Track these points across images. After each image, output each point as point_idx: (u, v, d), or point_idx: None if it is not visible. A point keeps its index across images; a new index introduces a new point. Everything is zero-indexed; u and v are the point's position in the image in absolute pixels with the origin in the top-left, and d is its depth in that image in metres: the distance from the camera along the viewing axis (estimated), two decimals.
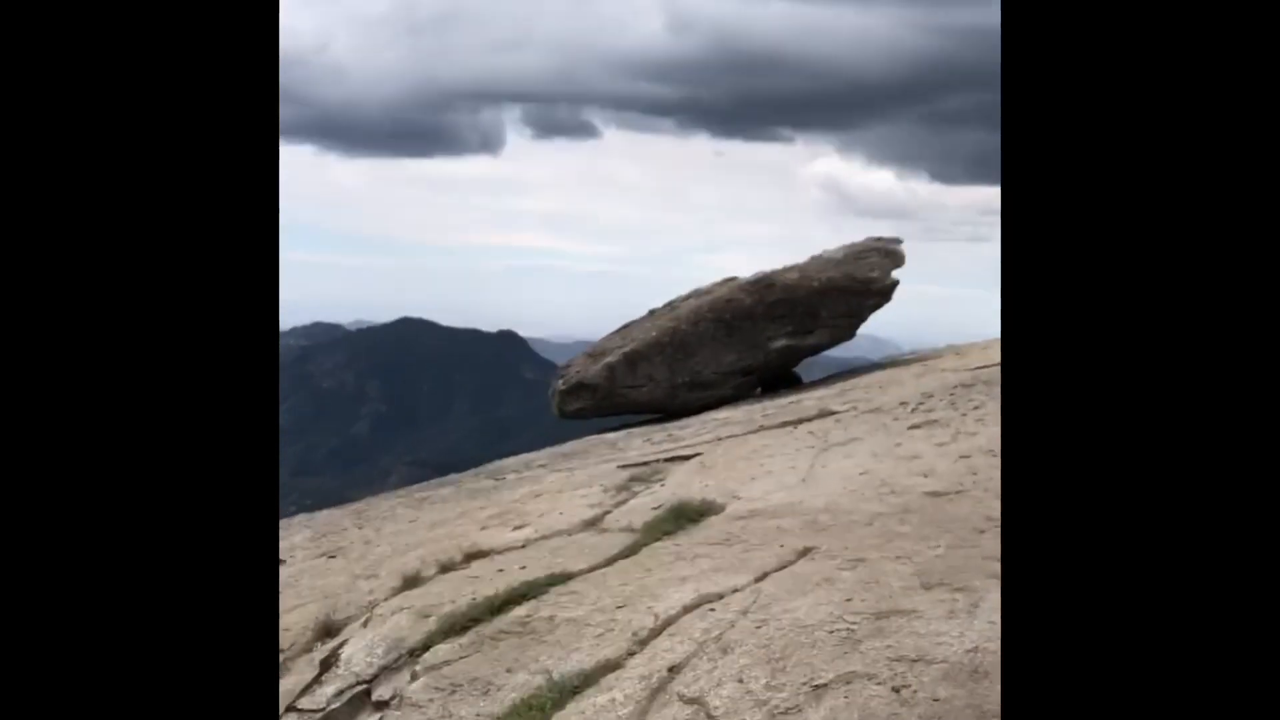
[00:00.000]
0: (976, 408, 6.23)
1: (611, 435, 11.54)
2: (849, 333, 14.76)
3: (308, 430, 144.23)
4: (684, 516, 4.31)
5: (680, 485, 5.39)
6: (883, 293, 14.58)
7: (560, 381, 14.31)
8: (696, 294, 15.13)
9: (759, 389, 15.04)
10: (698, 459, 6.62)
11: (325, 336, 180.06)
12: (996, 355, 12.18)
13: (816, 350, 14.77)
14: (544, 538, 4.66)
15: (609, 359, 13.95)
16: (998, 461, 4.58)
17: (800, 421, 8.13)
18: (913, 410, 6.66)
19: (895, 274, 14.89)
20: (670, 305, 15.18)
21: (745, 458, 5.96)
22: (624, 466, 7.41)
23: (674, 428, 10.40)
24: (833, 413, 8.23)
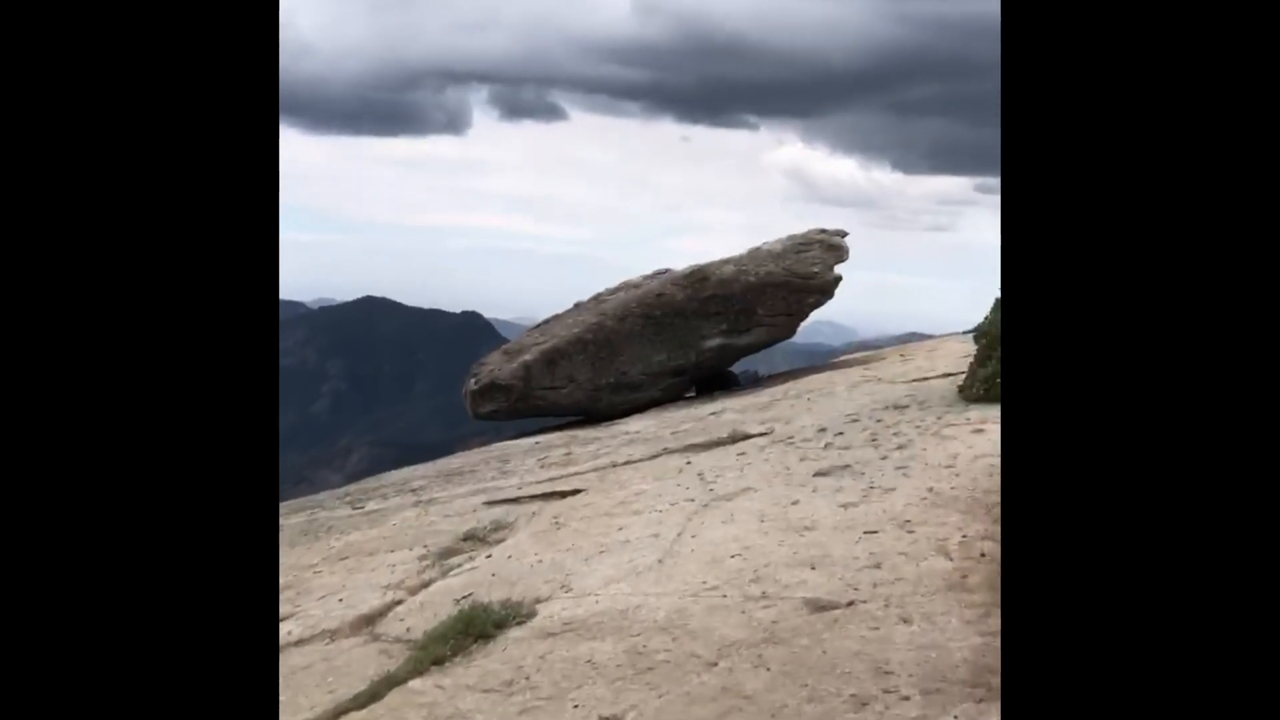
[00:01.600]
0: (900, 447, 5.08)
1: (513, 445, 10.33)
2: (788, 331, 13.61)
3: None
4: (473, 630, 3.13)
5: (511, 558, 4.19)
6: (823, 289, 13.43)
7: (472, 380, 13.06)
8: (625, 287, 13.92)
9: (693, 390, 13.90)
10: (566, 502, 5.43)
11: (287, 314, 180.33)
12: (940, 362, 11.11)
13: (753, 350, 13.61)
14: (302, 641, 3.49)
15: (525, 357, 12.71)
16: (909, 544, 3.42)
17: (708, 446, 6.96)
18: (826, 446, 5.50)
19: (839, 269, 13.75)
20: (597, 299, 13.96)
21: (613, 510, 4.77)
22: (490, 503, 6.22)
23: (579, 442, 9.20)
24: (746, 436, 7.06)
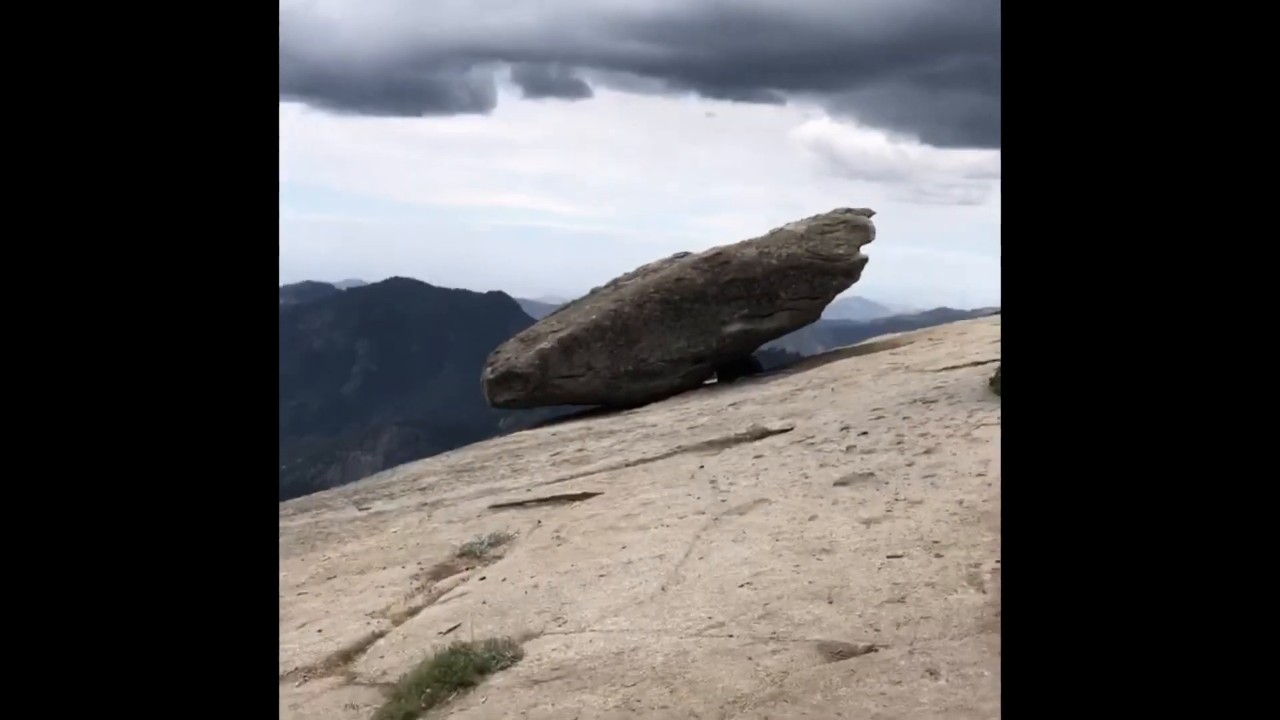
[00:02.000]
0: (928, 451, 4.73)
1: (530, 436, 10.05)
2: (812, 315, 13.23)
3: (298, 389, 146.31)
4: (452, 676, 2.82)
5: (506, 580, 3.89)
6: (849, 271, 13.04)
7: (489, 369, 12.79)
8: (643, 272, 13.57)
9: (714, 377, 13.56)
10: (572, 510, 5.12)
11: (316, 295, 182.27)
12: (970, 347, 10.70)
13: (776, 335, 13.25)
14: None
15: (542, 345, 12.41)
16: (937, 571, 3.08)
17: (724, 445, 6.63)
18: (848, 449, 5.16)
19: (865, 249, 13.34)
20: (614, 284, 13.63)
21: (619, 523, 4.46)
22: (496, 507, 5.93)
23: (594, 435, 8.90)
24: (765, 433, 6.73)
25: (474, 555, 4.38)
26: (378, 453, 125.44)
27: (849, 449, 5.15)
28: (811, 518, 3.98)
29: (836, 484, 4.46)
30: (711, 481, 4.91)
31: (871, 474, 4.48)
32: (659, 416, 9.61)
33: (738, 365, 13.38)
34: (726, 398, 10.50)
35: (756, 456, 5.46)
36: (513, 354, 12.64)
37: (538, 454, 8.39)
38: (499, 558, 4.28)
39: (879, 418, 6.14)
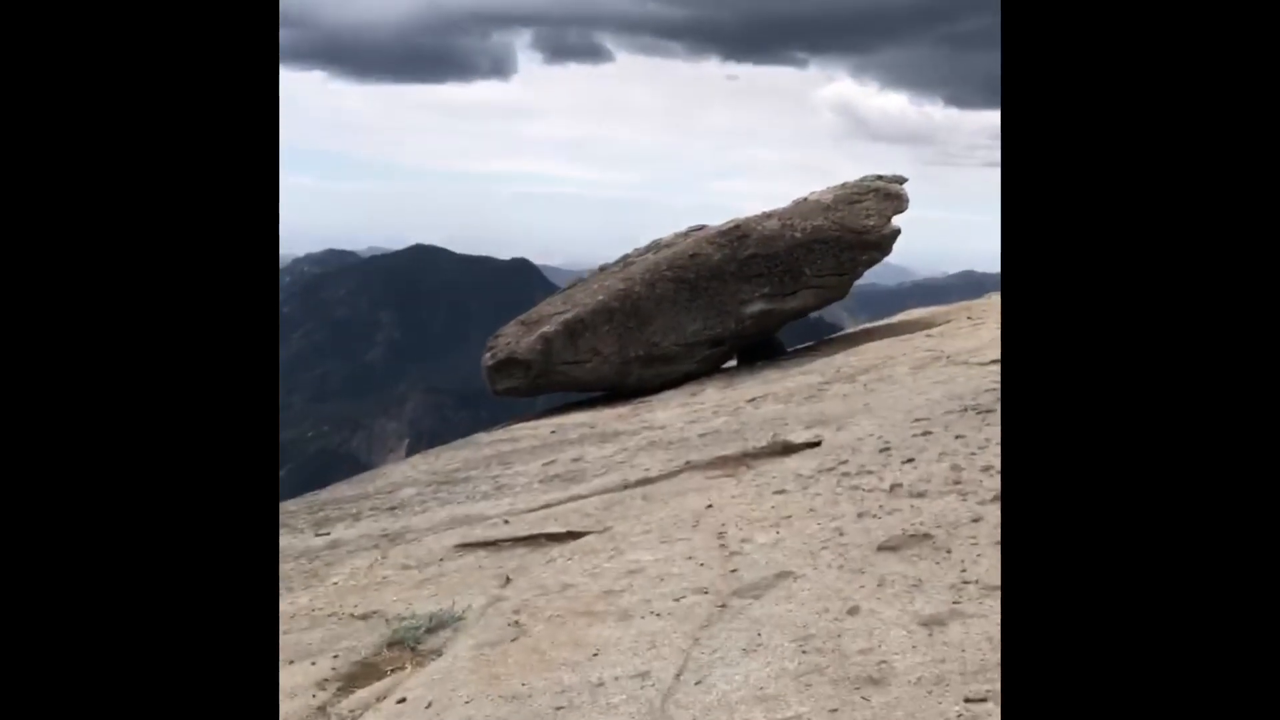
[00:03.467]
0: (997, 497, 3.68)
1: (527, 432, 9.04)
2: (839, 293, 12.10)
3: (323, 357, 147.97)
4: None
5: (431, 707, 2.87)
6: (880, 244, 11.89)
7: (488, 355, 11.77)
8: (655, 247, 12.48)
9: (733, 359, 12.50)
10: (544, 568, 4.11)
11: (338, 263, 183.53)
12: None
13: (800, 314, 12.14)
14: None
15: (545, 329, 11.38)
16: None
17: (739, 461, 5.61)
18: (893, 488, 4.10)
19: (897, 220, 12.19)
20: (624, 260, 12.55)
21: (597, 604, 3.42)
22: (463, 546, 4.94)
23: (595, 438, 7.89)
24: (788, 448, 5.69)
25: (407, 646, 3.37)
26: (403, 420, 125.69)
27: (894, 488, 4.09)
28: (851, 610, 2.93)
29: (881, 548, 3.41)
30: (720, 535, 3.87)
31: (928, 534, 3.43)
32: (669, 414, 8.57)
33: (758, 348, 12.32)
34: (745, 389, 9.46)
35: (777, 492, 4.41)
36: (513, 338, 11.62)
37: (529, 461, 7.38)
38: (436, 654, 3.26)
39: (925, 434, 5.08)
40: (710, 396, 9.42)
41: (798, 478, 4.64)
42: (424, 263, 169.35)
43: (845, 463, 4.76)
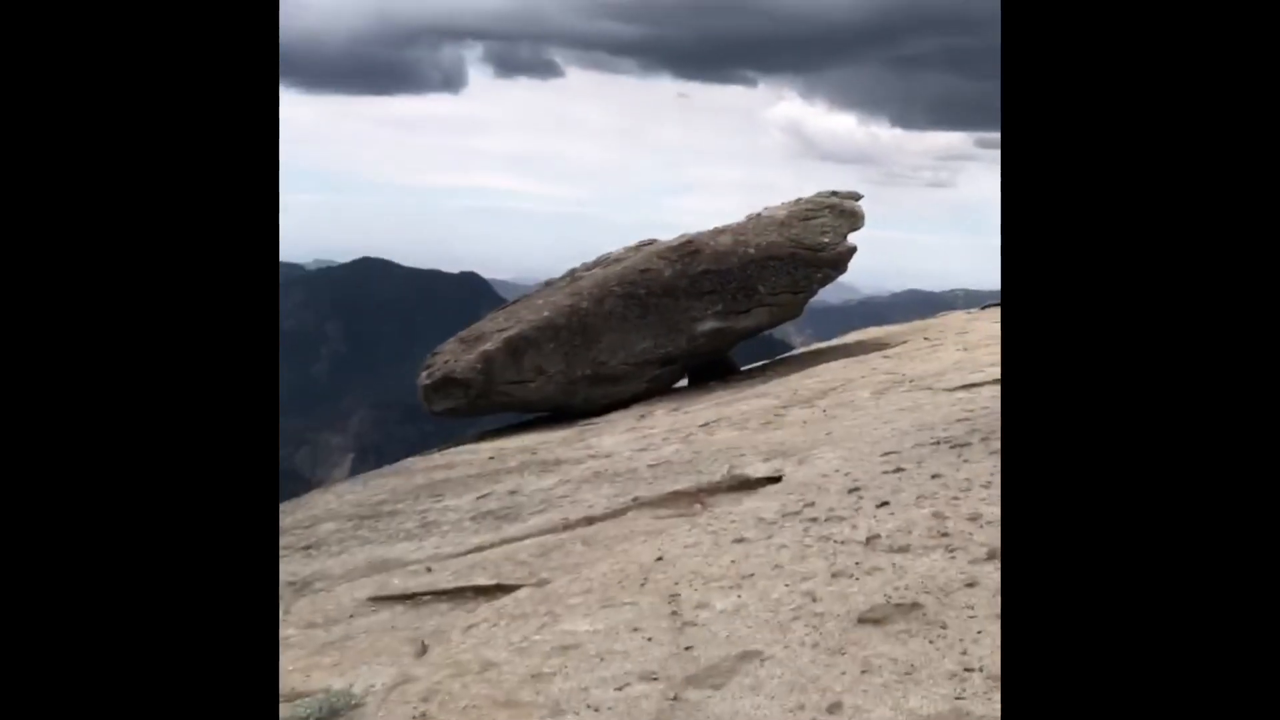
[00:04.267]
0: (992, 555, 3.16)
1: (461, 458, 8.42)
2: (793, 311, 11.63)
3: None
4: None
5: None
6: (835, 263, 11.44)
7: (424, 374, 11.13)
8: (604, 261, 11.93)
9: (684, 378, 11.98)
10: (465, 634, 3.52)
11: (285, 275, 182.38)
12: (981, 352, 9.15)
13: (753, 333, 11.64)
14: None
15: (485, 346, 10.77)
16: None
17: (692, 499, 5.07)
18: (870, 540, 3.57)
19: (853, 238, 11.77)
20: (571, 275, 11.98)
21: (521, 691, 2.85)
22: (377, 600, 4.34)
23: (536, 466, 7.30)
24: (746, 484, 5.17)
25: None
26: (349, 434, 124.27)
27: (870, 540, 3.56)
28: (832, 707, 2.39)
29: (863, 620, 2.87)
30: (671, 598, 3.31)
31: (916, 603, 2.89)
32: (616, 439, 8.01)
33: (710, 367, 11.80)
34: (697, 412, 8.93)
35: (736, 541, 3.87)
36: (452, 356, 11.00)
37: (462, 493, 6.77)
38: None
39: (897, 470, 4.58)
40: (660, 420, 8.88)
41: (759, 523, 4.10)
42: (371, 275, 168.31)
43: (811, 505, 4.23)
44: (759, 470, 5.37)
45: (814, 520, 3.97)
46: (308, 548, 5.91)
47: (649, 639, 2.97)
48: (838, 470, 4.89)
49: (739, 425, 7.30)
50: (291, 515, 7.42)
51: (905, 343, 11.75)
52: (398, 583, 4.54)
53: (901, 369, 9.03)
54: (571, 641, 3.05)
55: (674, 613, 3.15)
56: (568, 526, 5.11)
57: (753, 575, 3.37)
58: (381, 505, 6.91)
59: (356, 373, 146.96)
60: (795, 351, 15.13)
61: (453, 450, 10.09)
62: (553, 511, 5.51)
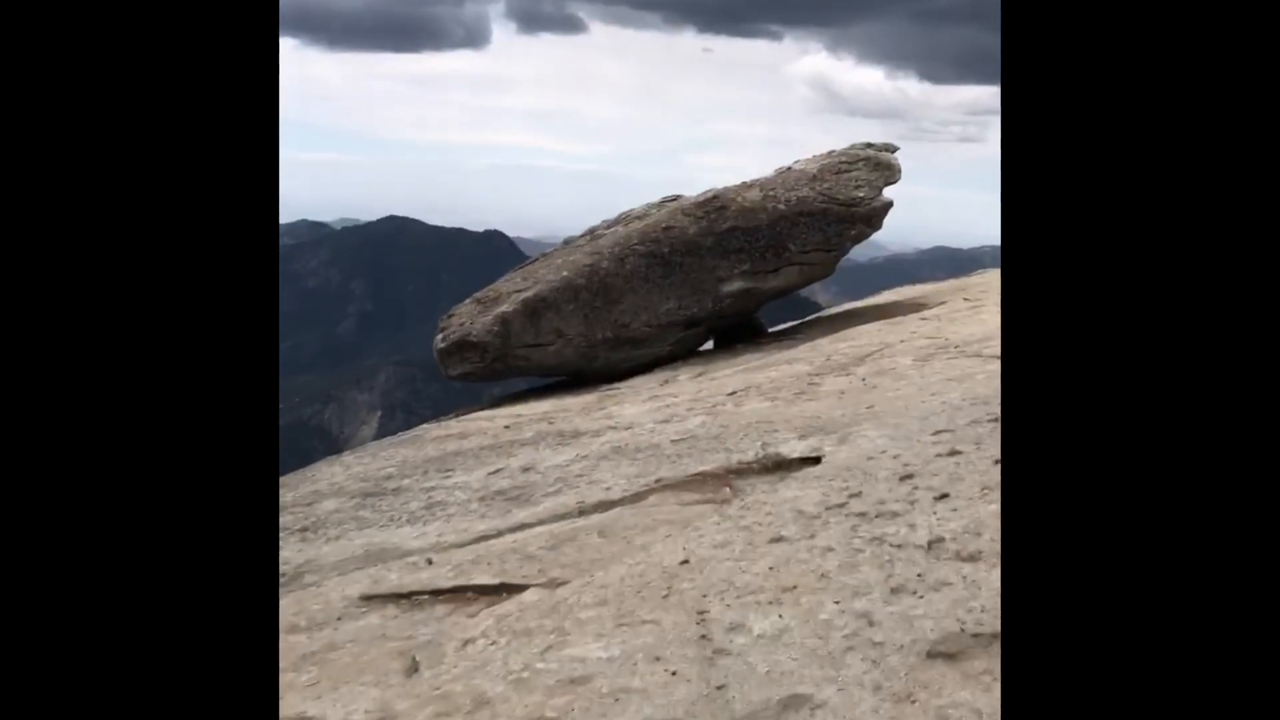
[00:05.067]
0: None
1: (481, 422, 7.95)
2: (825, 270, 11.05)
3: (294, 328, 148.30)
4: None
5: None
6: (869, 218, 10.83)
7: (439, 337, 10.65)
8: (625, 219, 11.38)
9: (710, 341, 11.46)
10: (464, 649, 3.05)
11: (310, 234, 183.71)
12: None
13: (783, 293, 11.08)
14: None
15: (502, 308, 10.27)
16: None
17: (720, 482, 4.58)
18: (931, 544, 3.06)
19: (889, 192, 11.14)
20: (591, 233, 11.44)
21: None
22: (368, 599, 3.88)
23: (552, 439, 6.82)
24: (781, 464, 4.67)
25: None
26: (375, 392, 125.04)
27: (932, 545, 3.04)
28: None
29: (934, 654, 2.36)
30: (699, 616, 2.81)
31: (997, 633, 2.39)
32: (638, 409, 7.51)
33: (737, 329, 11.27)
34: (724, 378, 8.41)
35: (774, 540, 3.36)
36: (468, 318, 10.51)
37: (473, 468, 6.31)
38: None
39: (953, 453, 4.05)
40: (685, 387, 8.37)
41: (799, 516, 3.59)
42: (396, 234, 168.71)
43: (858, 495, 3.71)
44: (795, 450, 4.86)
45: (863, 516, 3.45)
46: (304, 529, 5.47)
47: (673, 673, 2.48)
48: (884, 452, 4.37)
49: (769, 395, 6.77)
50: (294, 490, 6.98)
51: (944, 303, 11.16)
52: (394, 578, 4.07)
53: (943, 332, 8.46)
54: (580, 673, 2.56)
55: (703, 636, 2.65)
56: (583, 511, 4.62)
57: (795, 588, 2.86)
58: (388, 480, 6.46)
59: (383, 331, 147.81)
60: (826, 312, 14.54)
61: (468, 417, 9.64)
62: (568, 493, 5.03)
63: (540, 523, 4.59)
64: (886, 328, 9.66)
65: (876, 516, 3.42)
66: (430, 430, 9.03)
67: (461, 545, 4.44)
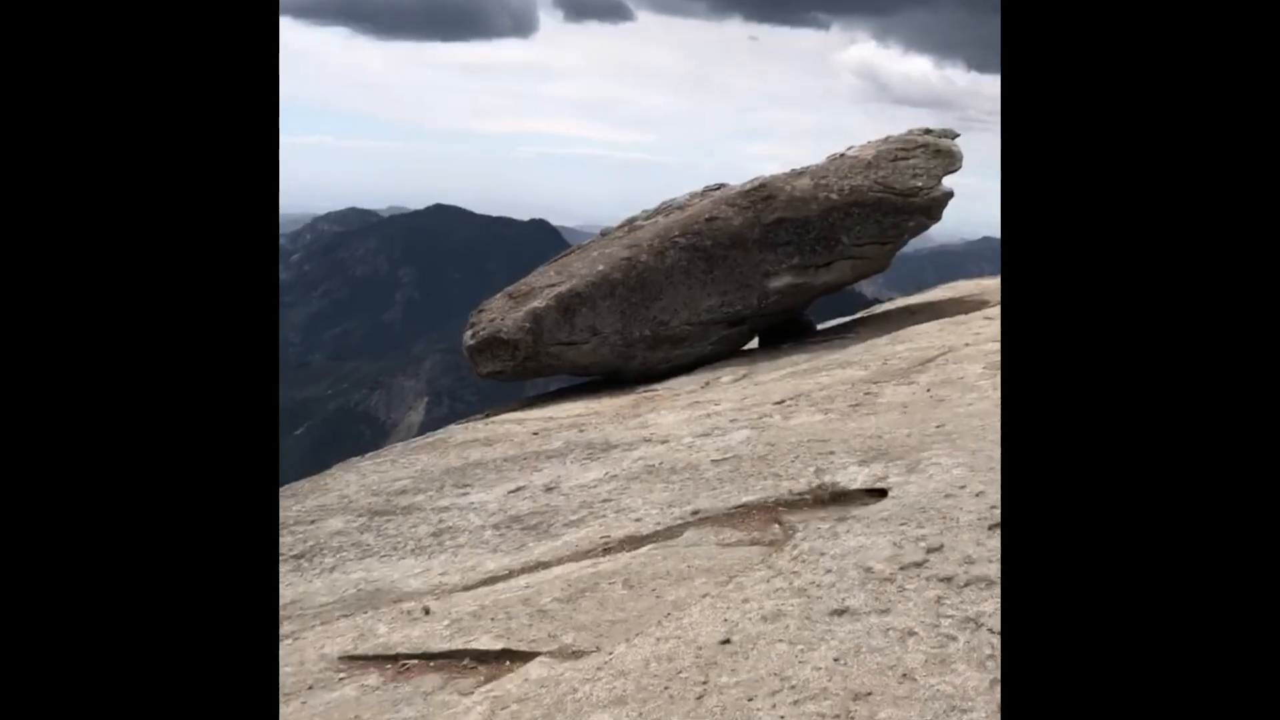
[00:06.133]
0: None
1: (508, 426, 7.34)
2: (880, 264, 10.30)
3: (342, 315, 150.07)
4: None
5: None
6: (928, 208, 10.06)
7: (469, 333, 10.06)
8: (666, 209, 10.70)
9: (754, 339, 10.77)
10: None
11: (359, 222, 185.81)
12: None
13: (834, 289, 10.35)
14: None
15: (535, 304, 9.64)
16: None
17: (766, 518, 3.94)
18: None
19: (948, 181, 10.37)
20: (629, 224, 10.78)
21: None
22: (350, 660, 3.27)
23: (581, 452, 6.19)
24: (840, 497, 4.01)
25: None
26: (421, 379, 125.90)
27: None
28: None
29: None
30: None
31: None
32: (676, 418, 6.86)
33: (784, 326, 10.57)
34: (770, 384, 7.74)
35: (838, 612, 2.70)
36: (498, 314, 9.90)
37: (493, 484, 5.70)
38: None
39: None
40: (727, 392, 7.70)
41: (866, 577, 2.93)
42: (444, 222, 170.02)
43: (938, 550, 3.04)
44: (855, 479, 4.19)
45: (948, 583, 2.78)
46: (300, 556, 4.88)
47: None
48: (964, 488, 3.68)
49: (822, 406, 6.09)
50: (302, 502, 6.42)
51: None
52: (383, 631, 3.47)
53: None
54: None
55: None
56: (608, 549, 3.99)
57: (869, 695, 2.20)
58: (400, 496, 5.87)
59: (429, 318, 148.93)
60: (877, 309, 13.78)
61: (498, 419, 9.06)
62: (592, 523, 4.40)
63: (559, 561, 3.96)
64: (948, 328, 8.92)
65: (966, 585, 2.74)
66: (456, 434, 8.45)
67: (467, 588, 3.83)
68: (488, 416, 9.83)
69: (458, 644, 3.21)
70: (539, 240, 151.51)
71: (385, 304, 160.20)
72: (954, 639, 2.41)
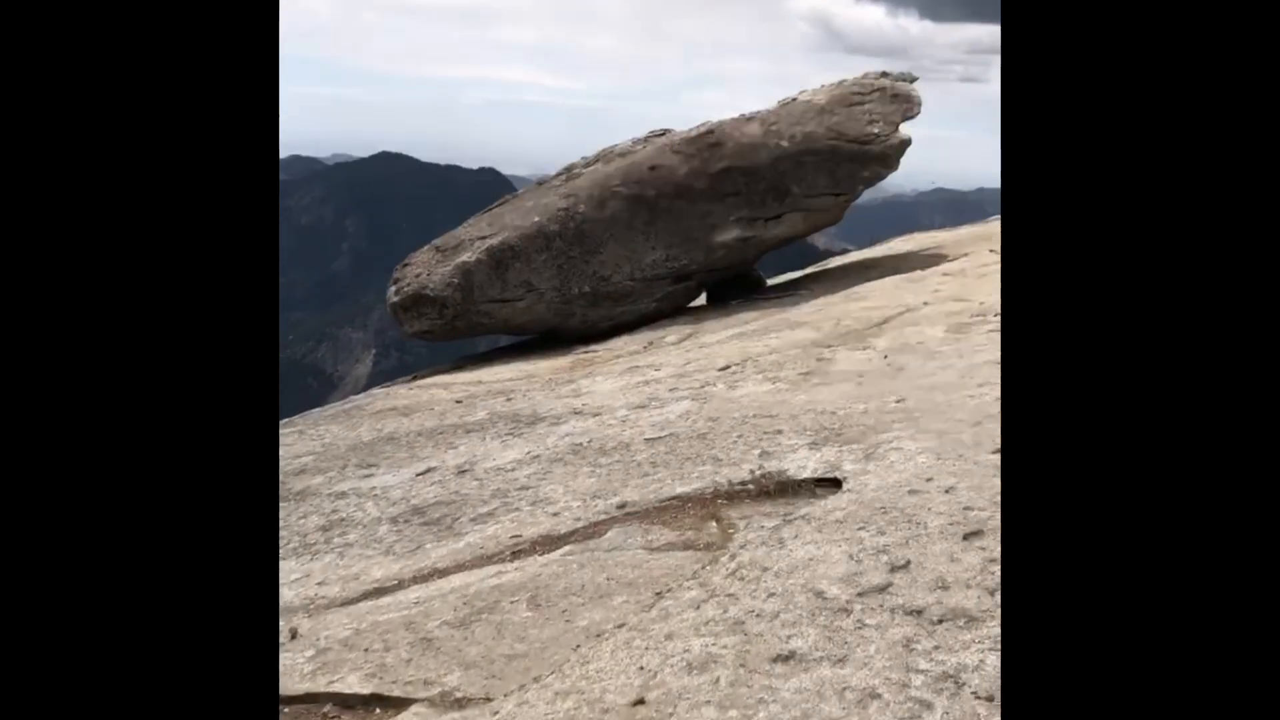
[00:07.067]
0: None
1: (431, 392, 6.71)
2: (834, 216, 9.72)
3: (288, 266, 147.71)
4: None
5: None
6: (884, 157, 9.48)
7: (393, 289, 9.37)
8: (606, 156, 10.02)
9: (701, 296, 10.19)
10: None
11: (303, 171, 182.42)
12: None
13: (784, 243, 9.78)
14: None
15: (464, 257, 8.97)
16: None
17: (707, 505, 3.38)
18: None
19: (906, 128, 9.79)
20: (567, 172, 10.09)
21: None
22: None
23: (505, 423, 5.59)
24: (787, 488, 3.47)
25: None
26: (369, 330, 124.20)
27: None
28: None
29: None
30: None
31: None
32: (611, 385, 6.27)
33: (732, 282, 10.00)
34: (715, 346, 7.17)
35: (782, 658, 2.14)
36: (424, 268, 9.21)
37: (402, 464, 5.09)
38: None
39: None
40: (670, 356, 7.12)
41: (819, 606, 2.37)
42: (390, 170, 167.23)
43: (904, 568, 2.49)
44: (805, 466, 3.63)
45: (917, 616, 2.23)
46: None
47: None
48: (930, 480, 3.14)
49: (770, 374, 5.53)
50: None
51: (966, 255, 9.90)
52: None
53: (972, 293, 7.21)
54: None
55: None
56: (517, 552, 3.41)
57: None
58: (298, 476, 5.23)
59: (377, 268, 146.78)
60: (830, 263, 13.25)
61: (423, 383, 8.43)
62: (503, 518, 3.81)
63: (459, 567, 3.38)
64: (904, 285, 8.40)
65: (940, 621, 2.19)
66: (375, 400, 7.80)
67: (346, 603, 3.23)
68: (414, 379, 9.19)
69: (320, 684, 2.61)
70: (489, 189, 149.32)
71: (332, 254, 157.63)
72: (929, 706, 1.86)
